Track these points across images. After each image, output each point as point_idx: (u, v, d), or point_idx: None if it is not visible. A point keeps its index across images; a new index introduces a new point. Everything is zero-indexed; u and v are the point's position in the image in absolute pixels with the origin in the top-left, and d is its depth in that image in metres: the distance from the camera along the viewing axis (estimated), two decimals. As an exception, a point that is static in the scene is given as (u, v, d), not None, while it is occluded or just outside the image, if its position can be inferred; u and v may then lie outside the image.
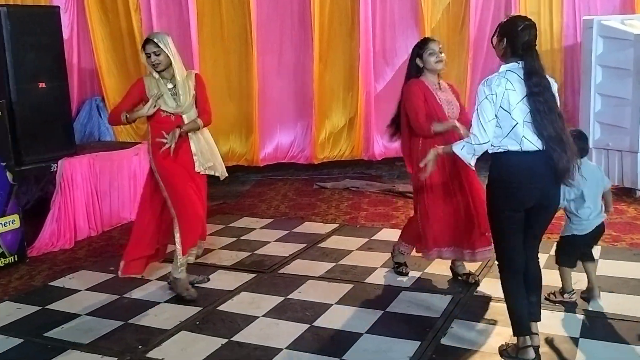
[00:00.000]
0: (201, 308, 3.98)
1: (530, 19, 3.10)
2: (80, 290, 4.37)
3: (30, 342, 3.63)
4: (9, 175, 4.87)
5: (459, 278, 4.24)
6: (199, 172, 4.15)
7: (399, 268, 4.40)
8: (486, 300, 3.94)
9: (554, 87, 3.07)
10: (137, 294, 4.27)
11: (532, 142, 2.96)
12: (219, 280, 4.45)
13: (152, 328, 3.74)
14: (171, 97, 4.03)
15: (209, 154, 4.19)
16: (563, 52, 7.13)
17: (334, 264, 4.71)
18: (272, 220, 6.00)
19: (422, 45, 4.03)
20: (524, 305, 3.15)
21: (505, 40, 3.06)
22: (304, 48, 7.37)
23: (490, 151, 3.07)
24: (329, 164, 7.70)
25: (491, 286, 4.13)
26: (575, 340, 3.35)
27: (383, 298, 4.03)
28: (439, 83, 4.06)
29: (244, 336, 3.59)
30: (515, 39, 3.01)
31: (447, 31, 7.36)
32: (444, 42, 7.19)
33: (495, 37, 3.13)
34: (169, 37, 4.05)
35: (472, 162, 3.15)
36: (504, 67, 3.06)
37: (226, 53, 7.37)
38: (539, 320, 3.24)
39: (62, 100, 5.62)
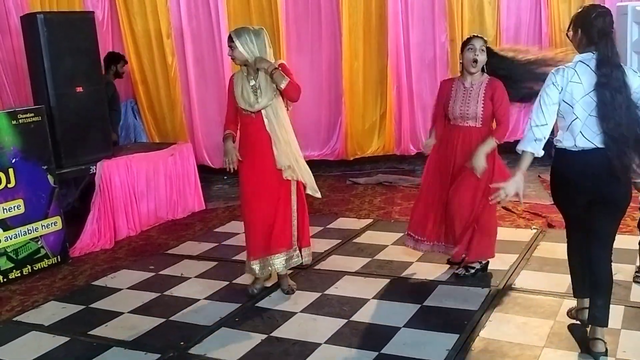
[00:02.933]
0: (240, 304, 4.04)
1: (604, 7, 3.06)
2: (122, 289, 4.47)
3: (75, 340, 3.73)
4: (50, 179, 5.00)
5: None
6: (281, 179, 3.98)
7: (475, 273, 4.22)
8: (524, 293, 3.91)
9: (634, 79, 2.92)
10: (177, 291, 4.35)
11: (588, 140, 2.93)
12: (256, 277, 4.51)
13: (193, 325, 3.81)
14: (252, 94, 3.93)
15: (290, 156, 4.01)
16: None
17: (370, 259, 4.72)
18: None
19: (466, 43, 4.01)
20: (579, 270, 3.26)
21: (580, 30, 3.01)
22: (333, 44, 7.38)
23: (554, 145, 3.08)
24: (361, 160, 7.70)
25: (529, 279, 4.10)
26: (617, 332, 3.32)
27: (420, 292, 4.03)
28: (471, 82, 4.00)
29: (283, 332, 3.63)
30: (590, 28, 2.95)
31: (479, 22, 7.27)
32: (476, 32, 7.20)
33: (570, 29, 3.08)
34: (256, 32, 3.93)
35: (539, 152, 3.03)
36: (576, 58, 3.01)
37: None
38: (604, 325, 3.09)
39: (99, 104, 5.73)
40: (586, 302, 3.22)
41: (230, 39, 3.95)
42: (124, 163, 5.72)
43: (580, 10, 3.09)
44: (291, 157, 4.01)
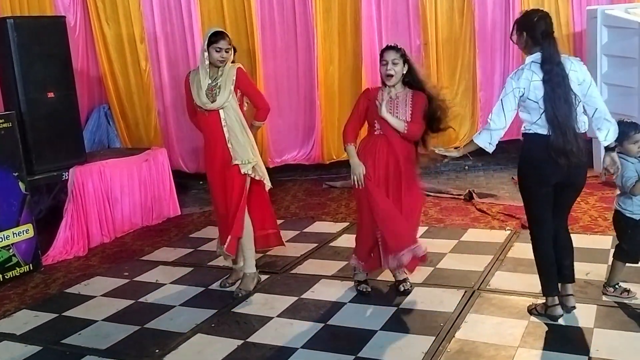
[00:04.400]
0: (216, 310, 4.01)
1: (543, 10, 3.35)
2: (95, 297, 4.41)
3: (48, 349, 3.68)
4: (21, 185, 4.92)
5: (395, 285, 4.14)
6: (234, 166, 4.12)
7: (359, 286, 4.15)
8: (499, 293, 3.94)
9: (580, 69, 3.29)
10: (152, 298, 4.31)
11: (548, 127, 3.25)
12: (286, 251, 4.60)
13: (168, 331, 3.77)
14: (207, 93, 4.03)
15: (246, 149, 4.15)
16: (569, 42, 7.10)
17: (346, 262, 4.70)
18: (282, 221, 6.00)
19: (381, 53, 3.91)
20: (552, 268, 3.47)
21: (524, 33, 3.29)
22: (308, 49, 7.38)
23: (522, 132, 3.36)
24: (337, 163, 7.69)
25: (503, 280, 4.14)
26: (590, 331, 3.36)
27: (396, 295, 4.04)
28: (396, 94, 3.89)
29: (260, 337, 3.62)
30: (533, 30, 3.25)
31: (451, 25, 7.35)
32: (449, 37, 7.30)
33: (514, 33, 3.36)
34: None
35: (490, 149, 3.40)
36: (528, 59, 3.29)
37: (231, 57, 7.39)
38: (573, 281, 3.53)
39: (71, 109, 5.67)
40: (557, 298, 3.45)
41: (228, 41, 4.01)
42: (97, 169, 5.66)
43: (522, 15, 3.39)
44: (248, 152, 4.14)
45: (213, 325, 3.82)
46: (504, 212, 5.62)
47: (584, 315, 3.53)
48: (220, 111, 4.07)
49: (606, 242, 4.60)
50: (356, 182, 3.87)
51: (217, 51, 4.00)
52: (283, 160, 7.72)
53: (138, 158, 6.10)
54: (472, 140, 3.46)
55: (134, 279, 4.70)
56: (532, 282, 4.01)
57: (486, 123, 3.40)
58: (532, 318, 3.56)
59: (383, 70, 3.87)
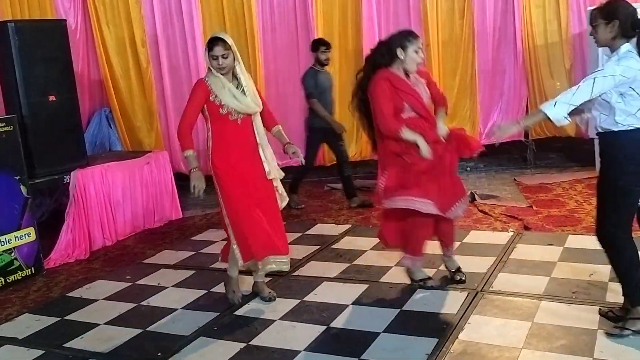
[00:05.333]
0: (218, 313, 4.00)
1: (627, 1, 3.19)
2: (97, 300, 4.40)
3: (50, 353, 3.66)
4: (22, 189, 4.92)
5: (449, 276, 4.20)
6: (266, 179, 3.95)
7: (426, 284, 4.14)
8: (502, 295, 3.93)
9: None
10: (154, 301, 4.30)
11: None
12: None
13: (170, 335, 3.76)
14: (242, 96, 3.82)
15: (274, 161, 4.05)
16: (571, 42, 7.10)
17: (348, 264, 4.72)
18: (284, 223, 5.99)
19: (409, 37, 3.87)
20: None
21: (616, 22, 3.11)
22: (308, 52, 7.36)
23: (615, 129, 3.12)
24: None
25: (506, 281, 4.13)
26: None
27: (399, 297, 4.03)
28: (407, 75, 3.92)
29: (262, 340, 3.61)
30: (627, 19, 3.10)
31: (451, 27, 7.35)
32: (449, 39, 7.30)
33: (599, 21, 3.16)
34: None
35: (565, 123, 3.15)
36: (625, 47, 3.12)
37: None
38: None
39: (73, 112, 5.67)
40: None
41: (223, 46, 3.75)
42: (99, 172, 5.65)
43: (609, 4, 3.18)
44: (275, 165, 4.04)
45: (215, 328, 3.81)
46: (506, 214, 5.61)
47: (588, 316, 3.51)
48: (253, 117, 3.90)
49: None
50: (428, 155, 3.76)
51: (213, 59, 3.78)
52: (284, 163, 7.71)
53: (139, 161, 6.10)
54: (540, 110, 3.19)
55: (136, 282, 4.69)
56: (536, 283, 4.02)
57: (562, 96, 3.13)
58: (536, 319, 3.54)
59: (416, 57, 3.85)
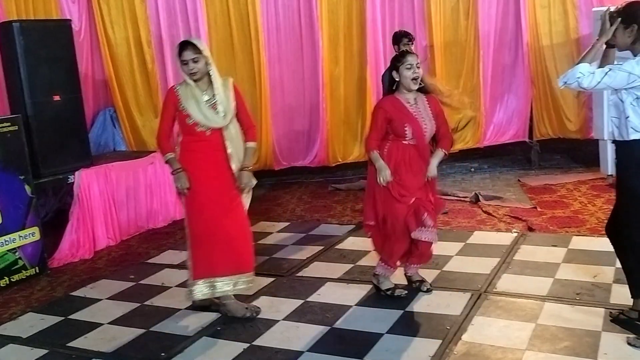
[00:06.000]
0: (222, 313, 4.00)
1: None
2: (101, 300, 4.41)
3: (54, 352, 3.67)
4: (27, 189, 4.93)
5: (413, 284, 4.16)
6: (235, 191, 3.80)
7: (394, 293, 4.08)
8: (506, 296, 3.92)
9: None
10: (157, 301, 4.30)
11: None
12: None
13: (174, 335, 3.77)
14: (209, 109, 3.70)
15: (249, 174, 3.87)
16: (577, 43, 7.07)
17: (352, 265, 4.71)
18: (288, 223, 6.01)
19: (399, 58, 3.89)
20: None
21: (635, 26, 3.08)
22: (313, 53, 7.39)
23: (630, 137, 3.11)
24: (342, 166, 7.70)
25: (510, 283, 4.12)
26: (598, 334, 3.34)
27: (402, 298, 4.02)
28: (415, 99, 3.90)
29: (265, 340, 3.61)
30: None
31: (456, 28, 7.34)
32: (453, 40, 7.29)
33: (617, 25, 3.12)
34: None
35: (561, 83, 3.15)
36: None
37: (237, 62, 7.40)
38: None
39: (77, 112, 5.69)
40: None
41: (193, 50, 3.63)
42: (103, 172, 5.66)
43: (629, 5, 3.15)
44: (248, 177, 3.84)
45: (219, 328, 3.81)
46: (510, 215, 5.60)
47: (592, 318, 3.51)
48: (224, 130, 3.74)
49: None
50: (382, 182, 3.84)
51: (183, 64, 3.65)
52: (289, 163, 7.72)
53: (144, 161, 6.11)
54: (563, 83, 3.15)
55: (140, 282, 4.69)
56: (539, 284, 4.01)
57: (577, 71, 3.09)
58: (539, 320, 3.54)
59: (409, 74, 3.81)
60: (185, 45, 3.68)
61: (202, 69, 3.68)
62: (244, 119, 3.90)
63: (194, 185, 3.76)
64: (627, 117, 3.11)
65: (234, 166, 3.79)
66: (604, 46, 3.22)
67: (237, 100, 3.82)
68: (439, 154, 3.96)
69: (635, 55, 3.13)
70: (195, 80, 3.71)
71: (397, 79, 3.89)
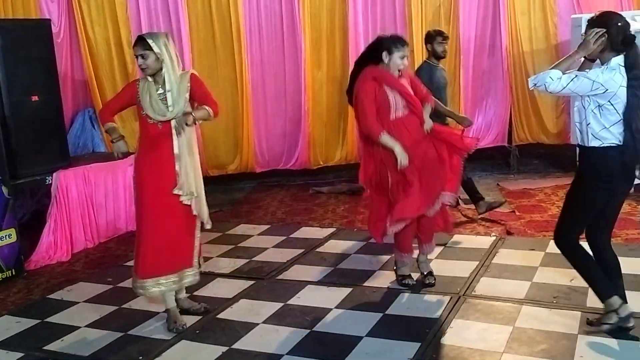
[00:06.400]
0: (201, 317, 3.97)
1: (620, 14, 3.23)
2: (78, 303, 4.36)
3: (30, 355, 3.62)
4: (4, 189, 4.86)
5: (421, 275, 4.30)
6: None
7: (403, 280, 4.26)
8: (485, 299, 3.95)
9: None
10: (135, 304, 4.26)
11: (622, 136, 3.15)
12: (218, 288, 4.45)
13: (152, 338, 3.74)
14: (160, 103, 3.68)
15: (193, 182, 3.76)
16: (558, 49, 7.16)
17: (332, 268, 4.72)
18: (269, 226, 6.00)
19: (397, 44, 3.95)
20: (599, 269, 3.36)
21: (607, 35, 3.13)
22: (295, 56, 7.39)
23: (589, 144, 3.20)
24: (324, 169, 7.71)
25: (489, 286, 4.15)
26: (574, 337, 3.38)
27: (382, 300, 4.04)
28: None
29: (245, 343, 3.59)
30: (618, 34, 3.12)
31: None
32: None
33: (591, 33, 3.17)
34: (166, 36, 3.71)
35: (531, 84, 3.21)
36: (615, 61, 3.14)
37: (219, 63, 7.38)
38: (627, 302, 3.37)
39: (56, 113, 5.62)
40: (617, 299, 3.35)
41: (142, 45, 3.62)
42: (81, 173, 5.60)
43: (601, 16, 3.22)
44: (194, 183, 3.75)
45: (197, 331, 3.79)
46: (489, 218, 5.64)
47: (569, 321, 3.54)
48: (173, 123, 3.67)
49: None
50: (403, 165, 3.86)
51: (136, 57, 3.67)
52: (270, 166, 7.71)
53: (123, 162, 6.02)
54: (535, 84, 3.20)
55: (118, 285, 4.65)
56: (517, 288, 4.05)
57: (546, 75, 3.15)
58: (517, 324, 3.57)
59: (400, 62, 3.93)
60: (137, 39, 3.70)
61: (151, 65, 3.64)
62: (201, 101, 3.76)
63: (143, 182, 3.75)
64: (589, 123, 3.18)
65: (178, 168, 3.70)
66: (582, 58, 3.28)
67: (196, 89, 3.72)
68: (427, 108, 4.10)
69: (602, 64, 3.19)
70: (149, 75, 3.70)
71: (385, 60, 3.94)
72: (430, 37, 5.53)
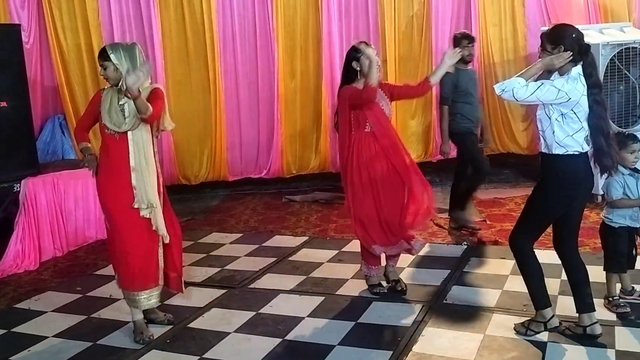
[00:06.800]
0: (172, 326, 3.94)
1: (574, 26, 3.30)
2: (46, 312, 4.28)
3: (-5, 366, 3.55)
4: (-30, 197, 4.77)
5: (389, 284, 4.31)
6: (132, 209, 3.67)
7: (374, 290, 4.28)
8: (457, 307, 3.98)
9: None
10: (105, 313, 4.20)
11: (586, 144, 3.25)
12: (189, 297, 4.41)
13: (122, 348, 3.69)
14: (118, 113, 3.65)
15: (151, 193, 3.70)
16: (528, 60, 7.28)
17: (305, 277, 4.71)
18: (241, 234, 5.97)
19: (359, 49, 4.02)
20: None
21: (562, 48, 3.21)
22: (269, 64, 7.39)
23: (554, 151, 3.26)
24: (297, 177, 7.71)
25: (460, 294, 4.19)
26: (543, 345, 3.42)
27: (354, 309, 4.04)
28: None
29: (216, 353, 3.56)
30: (574, 45, 3.21)
31: (410, 43, 7.47)
32: (407, 55, 7.41)
33: (547, 46, 3.26)
34: (133, 48, 3.69)
35: (498, 90, 3.24)
36: (575, 70, 3.23)
37: (192, 70, 7.35)
38: (595, 310, 3.45)
39: (24, 119, 5.54)
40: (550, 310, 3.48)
41: (103, 56, 3.64)
42: (50, 181, 5.52)
43: (555, 29, 3.34)
44: (150, 194, 3.69)
45: (168, 341, 3.75)
46: (461, 226, 5.69)
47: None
48: (129, 135, 3.64)
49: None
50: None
51: (103, 69, 3.69)
52: (242, 174, 7.69)
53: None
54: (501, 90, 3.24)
55: (87, 294, 4.58)
56: (488, 296, 4.10)
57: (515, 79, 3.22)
58: (488, 331, 3.60)
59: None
60: (100, 50, 3.73)
61: (110, 75, 3.66)
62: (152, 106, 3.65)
63: (102, 194, 3.80)
64: (553, 131, 3.25)
65: (135, 181, 3.66)
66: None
67: (153, 103, 3.59)
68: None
69: (560, 74, 3.28)
70: (113, 85, 3.70)
71: (357, 69, 4.00)
72: (457, 41, 5.47)
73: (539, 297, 3.49)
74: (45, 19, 6.91)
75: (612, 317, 3.67)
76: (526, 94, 3.19)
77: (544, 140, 3.33)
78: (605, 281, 3.84)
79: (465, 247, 5.15)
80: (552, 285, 4.14)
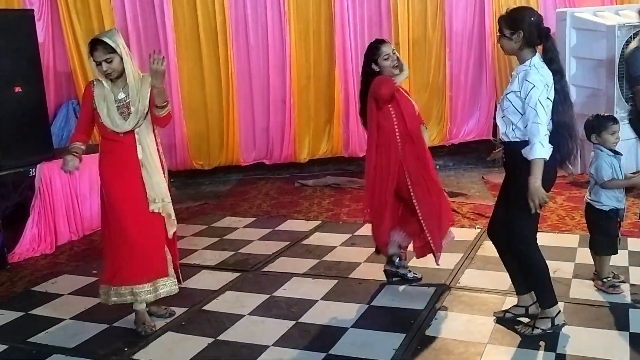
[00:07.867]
0: (187, 308, 3.97)
1: (533, 8, 3.16)
2: (63, 295, 4.34)
3: (14, 348, 3.61)
4: (-14, 182, 4.82)
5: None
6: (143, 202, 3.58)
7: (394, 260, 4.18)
8: (469, 291, 3.99)
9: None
10: (121, 296, 4.24)
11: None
12: (204, 280, 4.45)
13: (137, 330, 3.71)
14: (117, 116, 3.51)
15: (159, 185, 3.63)
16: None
17: (318, 260, 4.73)
18: (254, 219, 6.00)
19: (374, 51, 3.91)
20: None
21: (521, 32, 3.06)
22: (281, 47, 7.37)
23: (526, 138, 3.09)
24: (310, 162, 7.71)
25: (473, 277, 4.19)
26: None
27: (367, 292, 4.06)
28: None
29: (230, 335, 3.60)
30: (533, 30, 3.06)
31: (423, 27, 7.41)
32: (420, 38, 7.36)
33: (505, 31, 3.11)
34: (119, 33, 3.53)
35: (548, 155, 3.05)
36: (537, 58, 3.09)
37: (203, 55, 7.34)
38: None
39: (39, 104, 5.56)
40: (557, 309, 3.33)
41: (103, 50, 3.42)
42: (66, 165, 5.55)
43: (513, 12, 3.15)
44: (162, 188, 3.63)
45: (183, 323, 3.79)
46: (474, 211, 5.69)
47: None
48: (135, 133, 3.53)
49: (573, 240, 4.69)
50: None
51: (97, 65, 3.46)
52: (255, 159, 7.70)
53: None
54: (536, 160, 3.03)
55: (103, 277, 4.63)
56: (501, 279, 4.07)
57: (537, 134, 3.00)
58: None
59: (388, 63, 3.89)
60: (95, 44, 3.47)
61: (117, 68, 3.49)
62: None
63: (107, 189, 3.63)
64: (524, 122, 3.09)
65: (145, 174, 3.58)
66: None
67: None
68: (423, 129, 4.19)
69: (521, 62, 3.12)
70: (112, 80, 3.55)
71: (377, 70, 3.91)
72: None
73: (550, 296, 3.32)
74: (57, 4, 6.93)
75: (626, 299, 3.66)
76: (547, 118, 3.05)
77: (518, 129, 3.13)
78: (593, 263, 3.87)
79: (479, 230, 5.14)
80: (568, 268, 4.15)
